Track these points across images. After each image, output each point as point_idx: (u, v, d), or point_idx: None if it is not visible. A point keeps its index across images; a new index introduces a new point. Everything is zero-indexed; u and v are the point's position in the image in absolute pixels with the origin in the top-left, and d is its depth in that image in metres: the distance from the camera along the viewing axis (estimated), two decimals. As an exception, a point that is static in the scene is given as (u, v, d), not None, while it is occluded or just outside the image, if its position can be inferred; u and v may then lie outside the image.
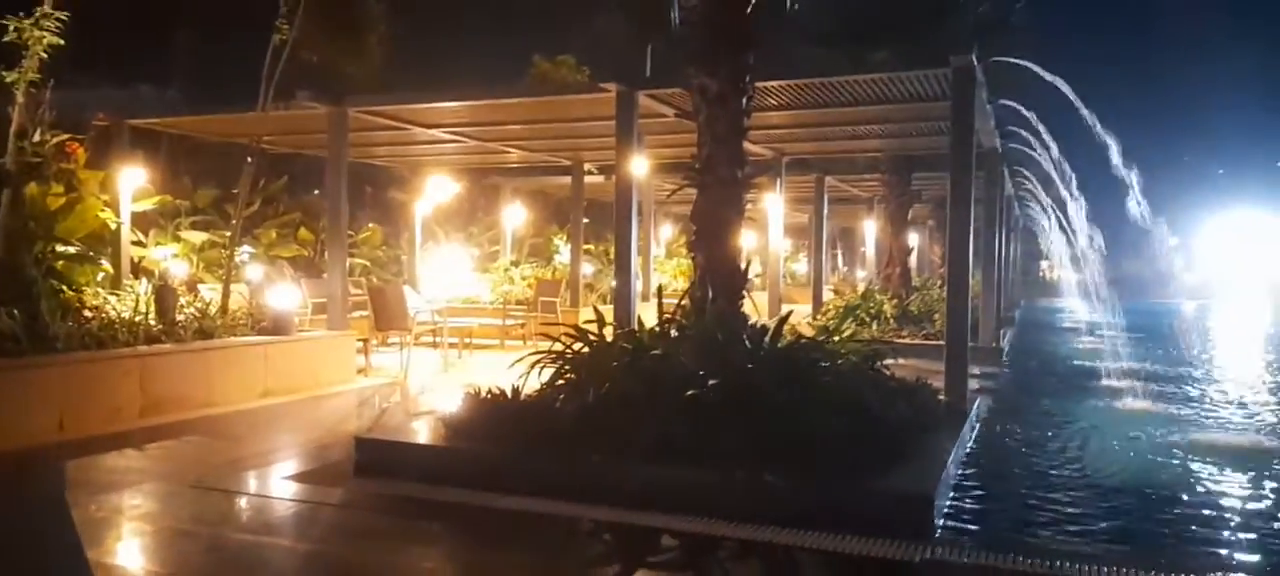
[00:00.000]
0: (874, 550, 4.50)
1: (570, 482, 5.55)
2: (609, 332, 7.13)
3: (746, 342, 6.83)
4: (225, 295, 10.35)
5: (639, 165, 10.21)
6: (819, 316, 15.56)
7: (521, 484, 5.61)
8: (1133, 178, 11.79)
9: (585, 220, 18.99)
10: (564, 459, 5.76)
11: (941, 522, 5.26)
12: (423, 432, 6.81)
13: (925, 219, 28.63)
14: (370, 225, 19.37)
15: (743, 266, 7.49)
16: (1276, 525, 5.78)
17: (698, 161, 7.36)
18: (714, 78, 7.16)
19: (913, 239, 27.66)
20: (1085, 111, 10.20)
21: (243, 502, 5.76)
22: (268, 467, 6.49)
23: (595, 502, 5.31)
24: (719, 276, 7.26)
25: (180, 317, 9.18)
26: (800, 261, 37.35)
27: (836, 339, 7.77)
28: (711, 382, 6.01)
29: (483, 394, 6.69)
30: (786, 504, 5.12)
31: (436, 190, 17.38)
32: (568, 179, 17.72)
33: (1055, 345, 18.93)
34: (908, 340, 13.87)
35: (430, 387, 10.32)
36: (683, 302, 7.44)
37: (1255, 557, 5.18)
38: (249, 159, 10.88)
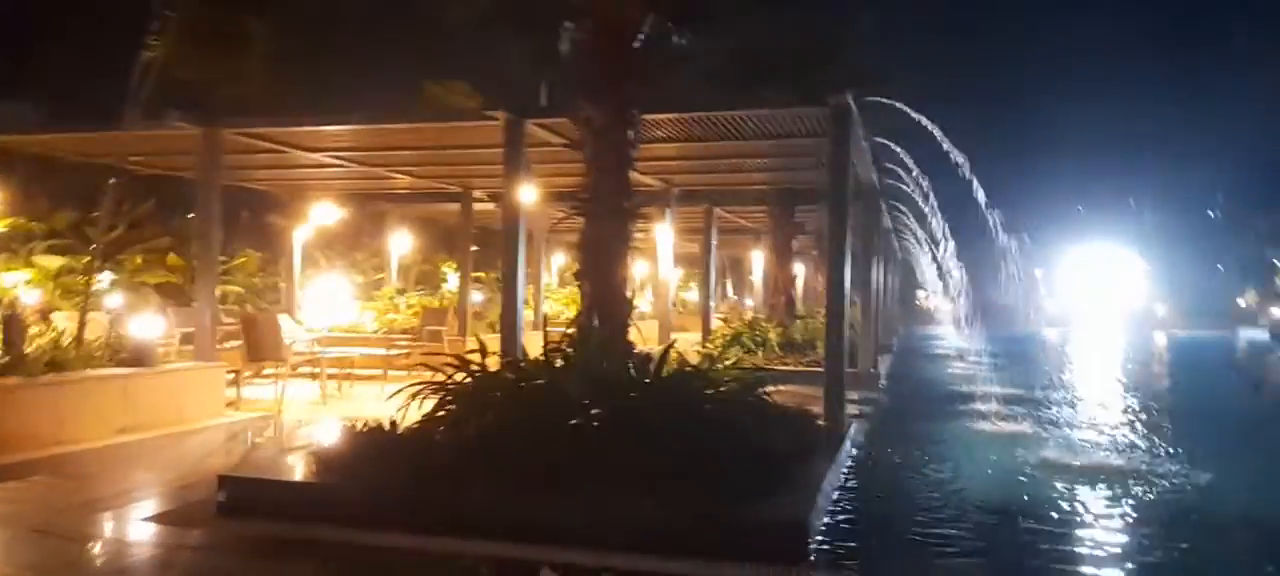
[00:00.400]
0: (748, 577, 4.55)
1: (450, 517, 5.41)
2: (493, 362, 7.03)
3: (631, 371, 6.85)
4: (81, 324, 9.70)
5: (527, 193, 10.15)
6: (707, 344, 15.78)
7: (399, 520, 5.44)
8: (996, 217, 12.49)
9: (475, 248, 18.75)
10: (443, 493, 5.61)
11: (816, 547, 5.37)
12: (294, 468, 6.52)
13: (810, 249, 29.53)
14: (246, 251, 18.57)
15: (629, 295, 7.52)
16: (1128, 540, 6.16)
17: (585, 191, 7.39)
18: (600, 109, 7.21)
19: (798, 269, 28.53)
20: (956, 154, 10.75)
21: (91, 547, 5.36)
22: (122, 509, 6.07)
23: (476, 537, 5.19)
24: (606, 305, 7.27)
25: (30, 349, 8.53)
26: (691, 290, 37.87)
27: (720, 367, 7.89)
28: (595, 412, 5.99)
29: (359, 427, 6.47)
30: (667, 532, 5.12)
31: (319, 215, 16.83)
32: (457, 206, 17.48)
33: (930, 371, 19.75)
34: (791, 367, 14.23)
35: (305, 421, 9.92)
36: (569, 331, 7.41)
37: (1111, 573, 5.47)
38: (112, 179, 10.28)
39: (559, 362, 6.92)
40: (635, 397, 6.25)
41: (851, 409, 11.04)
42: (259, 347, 11.12)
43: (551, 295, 21.71)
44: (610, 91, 7.20)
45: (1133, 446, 10.13)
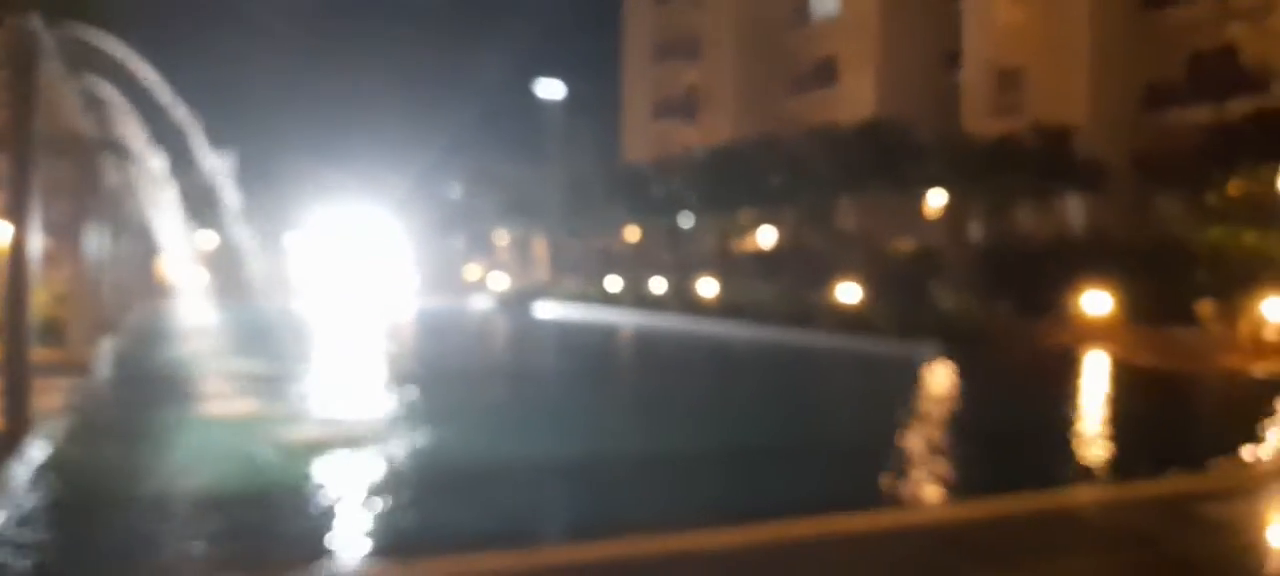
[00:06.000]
0: None
1: None
2: None
3: None
4: None
5: None
6: None
7: None
8: (232, 181, 12.49)
9: None
10: None
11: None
12: None
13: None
14: None
15: None
16: (358, 505, 6.80)
17: None
18: None
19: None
20: (180, 107, 10.35)
21: None
22: None
23: None
24: None
25: None
26: None
27: None
28: None
29: None
30: None
31: None
32: None
33: (165, 351, 18.80)
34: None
35: None
36: None
37: (331, 543, 5.91)
38: None
39: None
40: None
41: (56, 401, 9.92)
42: None
43: None
44: None
45: (374, 413, 11.24)
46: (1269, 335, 16.51)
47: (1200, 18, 28.96)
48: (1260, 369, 15.63)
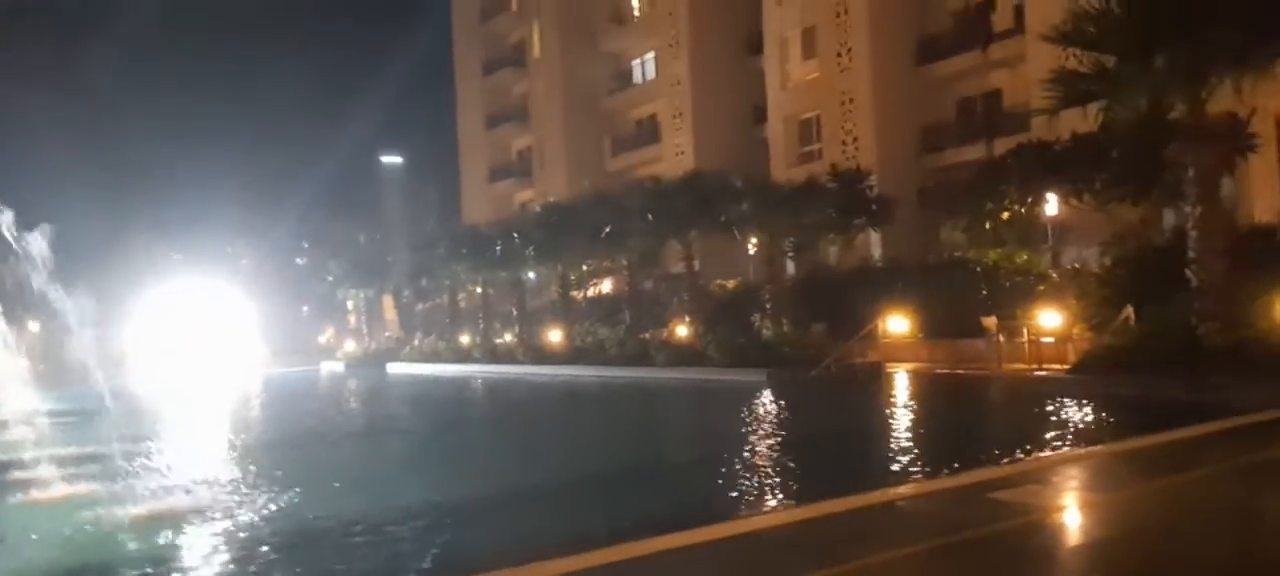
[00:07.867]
0: None
1: None
2: None
3: None
4: None
5: None
6: None
7: None
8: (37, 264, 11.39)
9: None
10: None
11: None
12: None
13: None
14: None
15: None
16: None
17: None
18: None
19: None
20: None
21: None
22: None
23: None
24: None
25: None
26: None
27: None
28: None
29: None
30: None
31: None
32: None
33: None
34: None
35: None
36: None
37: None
38: None
39: None
40: None
41: None
42: None
43: None
44: None
45: (218, 482, 10.44)
46: (1045, 343, 17.78)
47: (966, 69, 31.43)
48: (1039, 373, 16.81)
